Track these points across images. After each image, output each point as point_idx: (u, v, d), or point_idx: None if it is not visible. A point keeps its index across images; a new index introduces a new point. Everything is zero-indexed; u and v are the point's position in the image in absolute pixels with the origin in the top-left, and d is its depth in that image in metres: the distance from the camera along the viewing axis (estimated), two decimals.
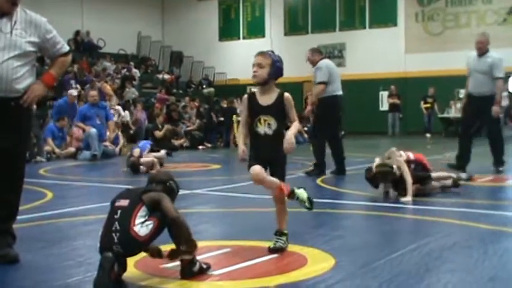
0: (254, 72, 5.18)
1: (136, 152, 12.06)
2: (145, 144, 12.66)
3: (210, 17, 33.13)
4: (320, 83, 11.09)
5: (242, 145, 5.25)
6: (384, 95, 28.25)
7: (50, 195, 8.87)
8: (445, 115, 26.14)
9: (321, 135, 11.33)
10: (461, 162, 11.10)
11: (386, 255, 4.90)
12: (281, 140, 5.08)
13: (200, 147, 20.31)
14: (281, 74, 5.26)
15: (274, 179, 5.20)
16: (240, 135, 5.37)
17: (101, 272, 3.96)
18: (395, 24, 28.65)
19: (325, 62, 11.38)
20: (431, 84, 26.16)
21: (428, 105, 26.14)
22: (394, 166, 7.93)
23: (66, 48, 5.23)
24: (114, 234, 4.08)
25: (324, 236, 5.76)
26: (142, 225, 4.10)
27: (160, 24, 34.39)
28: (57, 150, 15.77)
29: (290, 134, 5.06)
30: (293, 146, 5.00)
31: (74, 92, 17.94)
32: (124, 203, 4.19)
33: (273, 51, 5.33)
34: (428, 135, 25.59)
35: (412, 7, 28.35)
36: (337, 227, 6.47)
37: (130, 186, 4.54)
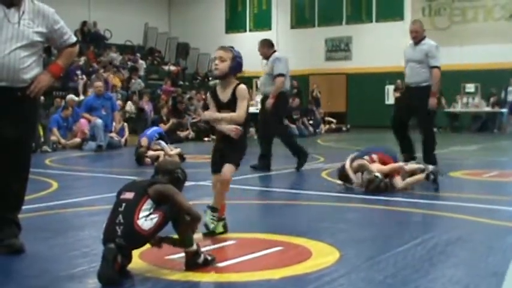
0: (215, 65, 5.35)
1: (143, 141, 11.99)
2: (154, 132, 12.55)
3: (217, 9, 33.09)
4: (280, 75, 10.66)
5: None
6: (389, 88, 28.18)
7: (55, 185, 8.89)
8: (451, 109, 26.09)
9: (270, 129, 10.90)
10: (410, 154, 10.08)
11: (391, 249, 4.90)
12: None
13: (206, 138, 20.29)
14: (240, 70, 5.40)
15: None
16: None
17: (104, 263, 3.96)
18: (402, 18, 28.54)
19: (279, 55, 11.02)
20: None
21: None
22: (378, 174, 8.02)
23: (74, 39, 5.24)
24: (117, 227, 4.08)
25: (328, 229, 5.77)
26: (146, 219, 4.10)
27: (167, 16, 34.37)
28: (62, 140, 15.79)
29: (223, 114, 5.31)
30: (205, 116, 5.36)
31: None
32: (129, 195, 4.19)
33: (232, 47, 5.41)
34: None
35: (419, 1, 28.25)
36: (341, 220, 6.47)
37: (135, 177, 4.54)
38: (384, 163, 8.33)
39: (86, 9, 28.94)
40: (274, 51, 11.01)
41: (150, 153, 11.75)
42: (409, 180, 8.29)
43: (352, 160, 8.32)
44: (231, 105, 5.32)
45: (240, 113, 5.28)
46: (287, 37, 30.37)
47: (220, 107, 5.38)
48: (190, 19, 32.93)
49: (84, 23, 28.36)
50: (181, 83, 28.10)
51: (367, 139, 19.82)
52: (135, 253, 4.30)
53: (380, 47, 28.19)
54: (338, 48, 30.09)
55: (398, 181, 8.13)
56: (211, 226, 5.38)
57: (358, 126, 26.47)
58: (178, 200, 4.20)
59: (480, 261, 4.63)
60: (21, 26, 4.84)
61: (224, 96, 5.36)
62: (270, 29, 31.49)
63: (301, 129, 22.83)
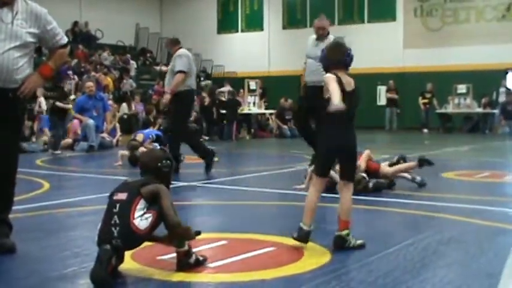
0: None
1: (139, 137, 11.91)
2: (151, 132, 12.47)
3: (209, 9, 33.06)
4: (180, 71, 10.21)
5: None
6: (381, 89, 28.22)
7: (46, 185, 8.86)
8: (443, 111, 26.13)
9: (175, 128, 10.65)
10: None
11: (383, 249, 4.90)
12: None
13: (205, 137, 20.24)
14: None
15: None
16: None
17: (98, 264, 3.94)
18: (394, 19, 28.60)
19: (186, 52, 10.62)
20: (429, 79, 26.14)
21: (426, 100, 26.12)
22: (364, 174, 8.05)
23: (65, 39, 5.23)
24: (113, 228, 4.06)
25: (320, 230, 5.76)
26: (142, 218, 4.09)
27: (159, 16, 34.32)
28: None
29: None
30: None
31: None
32: (122, 196, 4.17)
33: None
34: (425, 130, 25.59)
35: (411, 2, 28.30)
36: (333, 221, 6.45)
37: (127, 178, 4.52)
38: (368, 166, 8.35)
39: (78, 9, 28.87)
40: (179, 48, 10.57)
41: (142, 149, 11.52)
42: (401, 166, 8.33)
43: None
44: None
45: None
46: (279, 37, 30.40)
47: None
48: (181, 19, 32.89)
49: (75, 23, 28.30)
50: None
51: (359, 139, 19.81)
52: (127, 253, 4.29)
53: (372, 48, 28.21)
54: None
55: (387, 169, 8.15)
56: None
57: None
58: (164, 205, 4.17)
59: (472, 261, 4.64)
60: (15, 26, 4.82)
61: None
62: (261, 29, 31.50)
63: (293, 129, 22.82)
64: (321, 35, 9.33)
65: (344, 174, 5.26)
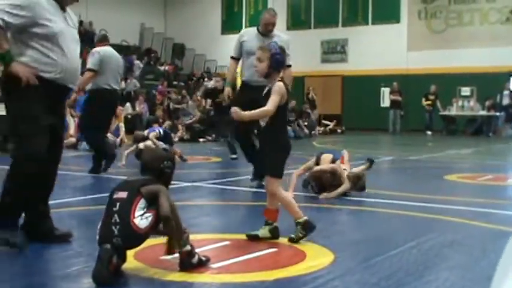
0: (255, 67, 5.36)
1: (148, 133, 11.83)
2: (154, 129, 12.43)
3: (213, 9, 33.09)
4: (88, 69, 9.94)
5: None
6: (385, 91, 28.23)
7: None
8: (447, 113, 26.13)
9: (88, 128, 10.49)
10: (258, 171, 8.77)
11: (386, 251, 4.90)
12: (273, 133, 5.27)
13: (201, 139, 20.27)
14: (282, 65, 5.32)
15: (273, 201, 5.40)
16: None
17: (99, 263, 3.95)
18: (398, 21, 28.61)
19: (103, 50, 10.17)
20: (433, 81, 26.15)
21: (429, 102, 26.11)
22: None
23: None
24: (113, 227, 4.05)
25: (323, 231, 5.76)
26: (142, 218, 4.09)
27: (163, 16, 34.35)
28: None
29: (249, 112, 5.16)
30: (236, 114, 5.08)
31: None
32: (123, 195, 4.16)
33: (275, 42, 5.41)
34: (429, 132, 25.59)
35: (415, 4, 28.31)
36: (336, 222, 6.48)
37: (127, 177, 4.51)
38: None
39: (83, 9, 28.87)
40: (103, 45, 10.33)
41: (146, 143, 11.39)
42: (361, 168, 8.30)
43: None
44: (265, 102, 5.23)
45: (267, 107, 5.14)
46: None
47: (261, 105, 5.30)
48: (186, 19, 32.92)
49: (80, 23, 28.31)
50: (175, 83, 28.08)
51: (363, 141, 19.85)
52: (130, 253, 4.29)
53: (376, 50, 28.25)
54: (334, 50, 30.13)
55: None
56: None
57: (353, 128, 26.48)
58: (161, 201, 4.16)
59: (475, 264, 4.64)
60: (75, 28, 5.21)
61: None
62: None
63: (296, 131, 22.85)
64: (269, 31, 8.86)
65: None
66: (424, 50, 27.65)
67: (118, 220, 4.07)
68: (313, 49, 30.07)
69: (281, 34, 9.14)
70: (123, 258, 4.13)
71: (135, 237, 4.10)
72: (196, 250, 4.36)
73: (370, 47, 28.55)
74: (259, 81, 8.40)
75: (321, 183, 7.98)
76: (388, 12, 28.78)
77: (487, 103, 25.19)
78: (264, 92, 5.31)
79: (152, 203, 4.17)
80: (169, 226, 4.16)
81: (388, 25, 28.68)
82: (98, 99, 10.04)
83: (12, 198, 4.91)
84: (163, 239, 4.42)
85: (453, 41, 27.02)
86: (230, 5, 33.07)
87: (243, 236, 5.37)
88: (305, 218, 5.27)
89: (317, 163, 8.16)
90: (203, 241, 5.05)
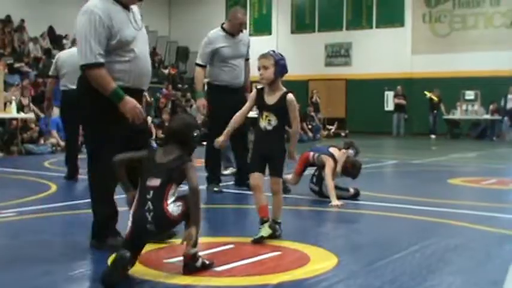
0: (261, 75, 5.44)
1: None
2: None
3: (217, 13, 33.06)
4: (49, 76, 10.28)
5: (226, 132, 5.61)
6: (389, 95, 28.21)
7: (54, 187, 8.89)
8: (451, 117, 26.12)
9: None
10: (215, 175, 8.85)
11: (389, 255, 4.90)
12: (280, 136, 5.51)
13: (204, 142, 20.24)
14: (286, 71, 5.53)
15: (264, 197, 5.52)
16: (232, 121, 5.66)
17: (112, 268, 3.96)
18: (402, 24, 28.59)
19: (59, 55, 10.34)
20: (437, 85, 26.13)
21: (435, 98, 25.99)
22: None
23: None
24: (147, 214, 4.14)
25: (326, 234, 5.77)
26: (174, 205, 4.18)
27: (167, 19, 34.37)
28: (62, 143, 15.76)
29: (291, 150, 5.67)
30: (295, 159, 5.69)
31: None
32: (155, 182, 4.20)
33: (274, 51, 5.52)
34: (433, 136, 25.57)
35: (420, 8, 28.30)
36: (340, 226, 6.48)
37: (153, 145, 4.45)
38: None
39: None
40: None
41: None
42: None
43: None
44: (273, 108, 5.45)
45: (296, 126, 5.59)
46: (287, 42, 30.39)
47: (262, 108, 5.50)
48: (190, 23, 32.92)
49: None
50: (180, 86, 28.11)
51: (367, 145, 19.81)
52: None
53: (380, 53, 28.25)
54: (338, 54, 30.11)
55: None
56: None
57: (357, 132, 26.45)
58: (189, 175, 4.24)
59: (478, 268, 4.63)
60: (144, 29, 5.21)
61: (270, 99, 5.48)
62: (270, 33, 31.52)
63: (300, 134, 22.81)
64: (240, 31, 8.71)
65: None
66: (428, 54, 27.63)
67: (151, 207, 4.15)
68: (317, 52, 30.08)
69: (245, 32, 9.03)
70: (133, 262, 4.14)
71: (168, 223, 4.21)
72: (200, 253, 4.37)
73: (375, 50, 28.54)
74: (240, 83, 8.68)
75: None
76: (392, 16, 28.77)
77: (491, 107, 25.16)
78: (276, 100, 5.45)
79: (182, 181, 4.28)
80: (197, 198, 4.22)
81: (393, 29, 28.67)
82: (61, 103, 10.10)
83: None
84: (166, 243, 4.43)
85: (457, 45, 27.00)
86: None
87: (247, 239, 5.37)
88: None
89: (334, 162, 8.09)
90: (207, 244, 5.05)
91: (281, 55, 5.51)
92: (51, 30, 25.37)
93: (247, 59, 8.86)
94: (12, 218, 6.35)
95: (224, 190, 8.65)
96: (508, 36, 26.12)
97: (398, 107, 27.09)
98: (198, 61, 8.64)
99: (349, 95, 29.56)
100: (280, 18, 31.50)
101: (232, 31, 8.65)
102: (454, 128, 25.95)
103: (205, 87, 8.99)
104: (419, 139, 24.00)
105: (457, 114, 26.09)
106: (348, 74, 29.46)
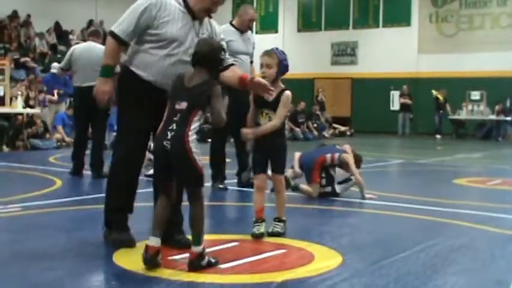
0: (263, 73, 5.44)
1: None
2: None
3: (224, 11, 32.88)
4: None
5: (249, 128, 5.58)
6: (395, 94, 28.16)
7: (59, 183, 8.90)
8: (456, 117, 26.08)
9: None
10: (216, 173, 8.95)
11: (394, 254, 4.90)
12: (280, 132, 5.55)
13: (209, 140, 20.23)
14: (287, 70, 5.54)
15: (263, 200, 5.68)
16: (249, 119, 5.69)
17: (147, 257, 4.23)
18: (408, 24, 28.54)
19: (74, 48, 10.21)
20: (443, 85, 26.07)
21: (440, 97, 25.92)
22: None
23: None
24: (169, 132, 4.25)
25: (331, 233, 5.77)
26: (196, 144, 4.29)
27: None
28: (67, 138, 15.81)
29: (262, 127, 5.46)
30: (249, 136, 5.48)
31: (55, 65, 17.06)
32: (183, 106, 4.29)
33: (277, 48, 5.52)
34: (438, 136, 25.53)
35: (426, 8, 28.25)
36: (344, 224, 6.47)
37: (182, 75, 4.47)
38: None
39: (93, 8, 28.96)
40: (77, 43, 10.49)
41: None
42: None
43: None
44: (272, 105, 5.47)
45: (276, 122, 5.46)
46: (293, 40, 30.36)
47: (262, 105, 5.51)
48: None
49: (90, 22, 28.39)
50: None
51: (372, 144, 19.80)
52: (139, 253, 4.30)
53: (386, 52, 28.20)
54: (344, 53, 30.08)
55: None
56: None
57: (363, 131, 26.42)
58: (213, 103, 4.35)
59: (483, 269, 4.63)
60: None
61: (270, 96, 5.48)
62: (276, 31, 31.48)
63: (306, 132, 22.84)
64: (248, 28, 8.82)
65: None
66: (434, 54, 27.58)
67: (175, 127, 4.26)
68: (324, 51, 30.04)
69: (250, 33, 9.01)
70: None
71: (183, 148, 4.23)
72: (206, 251, 4.36)
73: (381, 49, 28.49)
74: None
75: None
76: (399, 15, 28.72)
77: (497, 107, 25.10)
78: (275, 97, 5.43)
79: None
80: (220, 120, 4.43)
81: (399, 28, 28.62)
82: (74, 98, 10.33)
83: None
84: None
85: (464, 45, 26.95)
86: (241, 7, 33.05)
87: (251, 237, 5.38)
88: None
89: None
90: (212, 241, 5.05)
91: (284, 53, 5.53)
92: (57, 25, 25.47)
93: (251, 62, 8.89)
94: (17, 213, 6.36)
95: (229, 187, 8.65)
96: None
97: (403, 107, 27.03)
98: None
99: (354, 94, 29.51)
100: (287, 17, 31.47)
101: (241, 27, 8.72)
102: (459, 128, 25.90)
103: None
104: (425, 139, 23.97)
105: (463, 115, 26.04)
106: (353, 72, 29.41)
